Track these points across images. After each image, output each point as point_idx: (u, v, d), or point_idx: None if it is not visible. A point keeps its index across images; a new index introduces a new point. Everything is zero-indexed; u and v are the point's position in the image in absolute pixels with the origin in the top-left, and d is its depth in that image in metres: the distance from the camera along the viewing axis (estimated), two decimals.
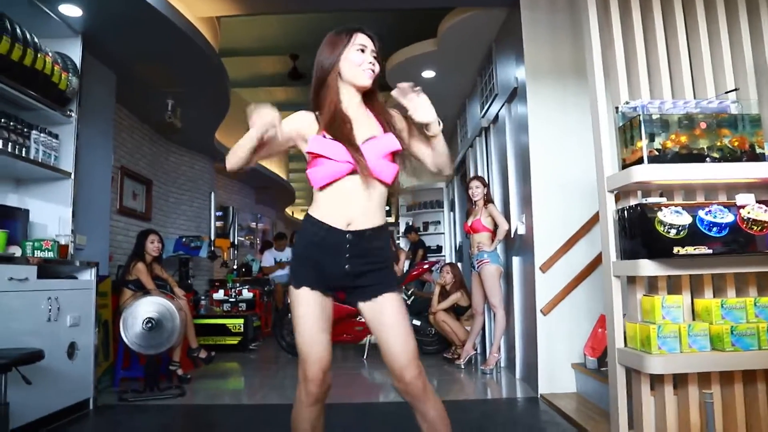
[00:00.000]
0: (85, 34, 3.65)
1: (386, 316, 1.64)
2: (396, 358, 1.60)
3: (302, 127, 1.72)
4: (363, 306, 1.69)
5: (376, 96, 1.77)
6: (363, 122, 1.71)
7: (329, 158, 1.62)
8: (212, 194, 6.75)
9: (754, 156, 2.22)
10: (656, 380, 2.26)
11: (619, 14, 2.50)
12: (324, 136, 1.66)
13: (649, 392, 2.25)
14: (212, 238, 6.35)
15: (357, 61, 1.69)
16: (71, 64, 3.46)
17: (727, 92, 2.33)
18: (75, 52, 3.58)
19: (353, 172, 1.64)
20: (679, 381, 2.26)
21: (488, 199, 4.47)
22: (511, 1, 3.86)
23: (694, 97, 2.45)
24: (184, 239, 6.01)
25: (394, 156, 1.70)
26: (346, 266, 1.65)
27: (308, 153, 1.68)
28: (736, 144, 2.22)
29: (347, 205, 1.65)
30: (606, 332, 3.07)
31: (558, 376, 3.43)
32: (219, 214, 7.84)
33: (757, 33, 2.50)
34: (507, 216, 4.29)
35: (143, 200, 6.02)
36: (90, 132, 3.98)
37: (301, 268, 1.67)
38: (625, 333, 2.33)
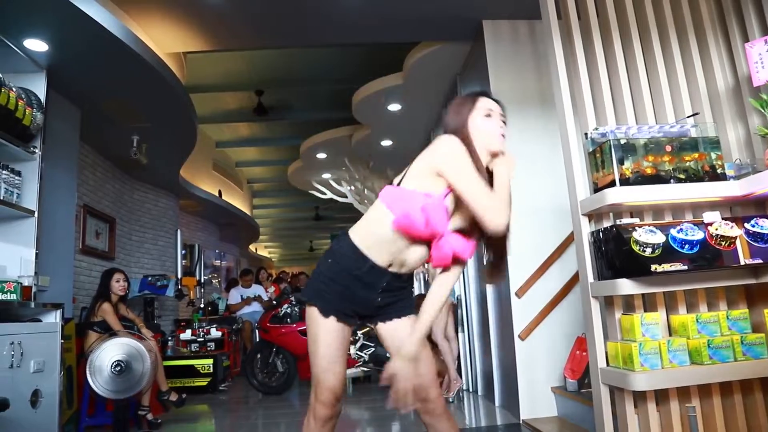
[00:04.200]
0: (49, 69, 3.59)
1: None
2: (420, 379, 1.64)
3: None
4: (382, 326, 1.73)
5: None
6: None
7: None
8: (178, 231, 6.61)
9: (715, 176, 2.33)
10: (639, 397, 2.30)
11: (582, 46, 2.63)
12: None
13: (633, 410, 2.29)
14: (179, 276, 6.17)
15: (487, 128, 1.64)
16: (35, 100, 3.38)
17: (688, 116, 2.46)
18: (39, 87, 3.50)
19: None
20: (661, 396, 2.31)
21: None
22: (475, 35, 4.02)
23: (656, 122, 2.58)
24: (150, 278, 5.83)
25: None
26: (378, 299, 1.68)
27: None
28: (699, 165, 2.33)
29: (399, 252, 1.64)
30: (584, 354, 3.12)
31: (539, 401, 3.44)
32: (183, 252, 7.65)
33: (707, 61, 2.66)
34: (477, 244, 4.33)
35: (106, 239, 5.84)
36: (53, 169, 3.87)
37: (328, 293, 1.65)
38: (606, 352, 2.37)
